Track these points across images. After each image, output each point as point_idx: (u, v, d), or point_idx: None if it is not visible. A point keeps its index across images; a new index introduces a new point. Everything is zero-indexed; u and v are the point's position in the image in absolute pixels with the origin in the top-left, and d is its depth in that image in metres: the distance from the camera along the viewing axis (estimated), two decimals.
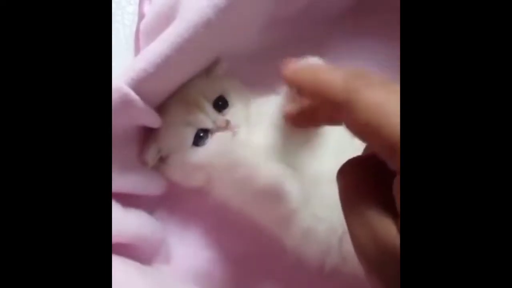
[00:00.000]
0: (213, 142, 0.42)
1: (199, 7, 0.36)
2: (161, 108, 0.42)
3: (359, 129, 0.20)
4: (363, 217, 0.20)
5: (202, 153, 0.42)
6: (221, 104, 0.43)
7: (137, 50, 0.49)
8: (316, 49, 0.52)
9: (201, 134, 0.42)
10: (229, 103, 0.43)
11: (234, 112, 0.43)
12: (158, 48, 0.36)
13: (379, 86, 0.20)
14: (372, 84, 0.20)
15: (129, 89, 0.36)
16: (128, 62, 0.50)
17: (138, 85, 0.36)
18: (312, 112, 0.25)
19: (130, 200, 0.44)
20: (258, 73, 0.49)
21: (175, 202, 0.49)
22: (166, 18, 0.41)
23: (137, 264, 0.43)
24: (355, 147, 0.25)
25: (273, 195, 0.37)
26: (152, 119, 0.41)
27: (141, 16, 0.49)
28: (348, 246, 0.39)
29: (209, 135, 0.42)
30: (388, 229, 0.19)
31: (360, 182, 0.21)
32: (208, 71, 0.44)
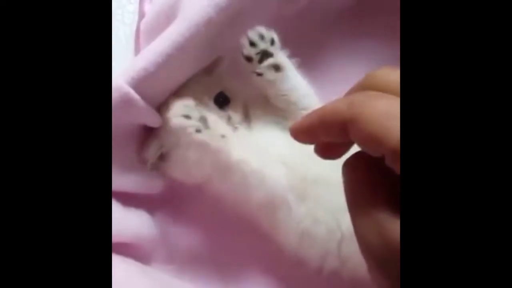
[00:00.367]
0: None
1: (200, 6, 0.36)
2: (162, 105, 0.42)
3: (364, 141, 0.20)
4: (371, 214, 0.20)
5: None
6: (221, 100, 0.43)
7: (137, 49, 0.49)
8: (316, 48, 0.52)
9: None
10: (230, 99, 0.44)
11: (235, 109, 0.43)
12: (158, 47, 0.36)
13: (380, 97, 0.20)
14: (374, 96, 0.21)
15: (130, 88, 0.36)
16: (128, 61, 0.50)
17: (138, 84, 0.36)
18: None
19: (130, 200, 0.44)
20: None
21: (175, 203, 0.49)
22: (167, 17, 0.41)
23: (138, 264, 0.43)
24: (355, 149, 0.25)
25: (252, 176, 0.38)
26: (152, 118, 0.41)
27: (141, 15, 0.49)
28: (348, 251, 0.39)
29: None
30: (395, 227, 0.19)
31: (366, 177, 0.21)
32: (209, 69, 0.44)
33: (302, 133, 0.23)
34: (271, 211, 0.40)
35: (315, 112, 0.23)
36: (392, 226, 0.19)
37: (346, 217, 0.22)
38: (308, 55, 0.52)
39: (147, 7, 0.49)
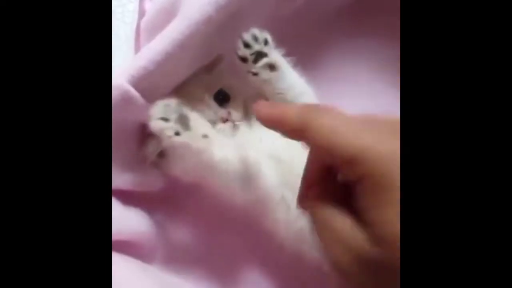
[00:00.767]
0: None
1: (200, 4, 0.37)
2: None
3: (317, 148, 0.25)
4: (336, 233, 0.23)
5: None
6: (221, 98, 0.44)
7: (138, 47, 0.49)
8: (314, 47, 0.52)
9: None
10: (230, 97, 0.44)
11: (235, 106, 0.44)
12: (158, 45, 0.36)
13: (328, 111, 0.25)
14: (322, 110, 0.25)
15: (130, 86, 0.36)
16: (129, 59, 0.50)
17: (138, 82, 0.36)
18: None
19: (130, 198, 0.44)
20: None
21: (174, 201, 0.49)
22: (167, 15, 0.41)
23: (137, 262, 0.43)
24: None
25: (236, 173, 0.39)
26: None
27: (141, 13, 0.49)
28: None
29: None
30: (359, 239, 0.22)
31: (325, 205, 0.25)
32: (209, 67, 0.45)
33: (265, 122, 0.27)
34: (269, 210, 0.41)
35: (274, 110, 0.26)
36: (358, 240, 0.22)
37: None
38: (306, 54, 0.52)
39: (148, 6, 0.49)
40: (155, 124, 0.36)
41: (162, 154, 0.44)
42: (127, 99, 0.36)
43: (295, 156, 0.41)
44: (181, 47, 0.36)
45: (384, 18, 0.49)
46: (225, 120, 0.42)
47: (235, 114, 0.43)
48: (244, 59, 0.41)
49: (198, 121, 0.38)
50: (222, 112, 0.42)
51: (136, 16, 0.50)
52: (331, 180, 0.26)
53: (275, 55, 0.41)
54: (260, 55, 0.41)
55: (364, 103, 0.50)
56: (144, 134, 0.44)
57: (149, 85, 0.38)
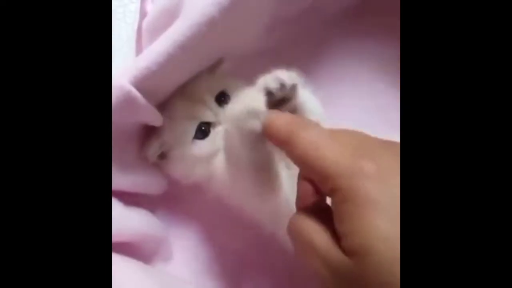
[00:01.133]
0: (215, 136, 0.42)
1: (202, 6, 0.36)
2: (164, 104, 0.42)
3: (298, 162, 0.26)
4: (313, 246, 0.24)
5: (204, 146, 0.42)
6: (223, 99, 0.43)
7: (139, 48, 0.49)
8: (318, 49, 0.52)
9: (203, 128, 0.42)
10: (231, 98, 0.44)
11: None
12: (160, 46, 0.36)
13: (313, 126, 0.26)
14: (307, 126, 0.26)
15: (132, 87, 0.36)
16: (130, 60, 0.50)
17: (140, 83, 0.37)
18: None
19: (132, 199, 0.44)
20: (261, 73, 0.49)
21: (175, 201, 0.50)
22: (170, 15, 0.41)
23: (139, 263, 0.43)
24: None
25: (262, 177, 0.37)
26: (154, 117, 0.41)
27: (143, 14, 0.49)
28: None
29: (211, 128, 0.42)
30: (335, 252, 0.23)
31: (306, 219, 0.26)
32: (211, 69, 0.45)
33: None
34: (271, 211, 0.41)
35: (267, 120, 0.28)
36: (336, 255, 0.23)
37: None
38: (308, 53, 0.52)
39: (149, 7, 0.49)
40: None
41: (163, 156, 0.45)
42: (129, 100, 0.36)
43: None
44: (183, 48, 0.36)
45: (385, 18, 0.49)
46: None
47: None
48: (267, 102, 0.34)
49: None
50: (223, 114, 0.42)
51: (137, 16, 0.50)
52: (316, 195, 0.27)
53: (301, 96, 0.37)
54: (284, 100, 0.36)
55: (364, 103, 0.51)
56: (145, 135, 0.44)
57: (151, 86, 0.38)
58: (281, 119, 0.27)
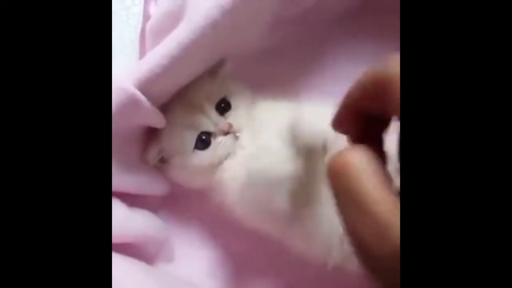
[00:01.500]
0: (217, 146, 0.42)
1: (205, 9, 0.37)
2: (164, 109, 0.42)
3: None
4: (368, 214, 0.18)
5: (204, 157, 0.42)
6: (223, 107, 0.43)
7: (142, 50, 0.50)
8: (321, 49, 0.52)
9: (204, 137, 0.42)
10: (232, 105, 0.43)
11: (237, 115, 0.43)
12: (164, 49, 0.37)
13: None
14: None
15: (136, 89, 0.36)
16: (133, 62, 0.50)
17: (144, 85, 0.37)
18: None
19: (135, 200, 0.44)
20: (263, 74, 0.49)
21: (178, 202, 0.50)
22: (173, 19, 0.41)
23: (141, 263, 0.43)
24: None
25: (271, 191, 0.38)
26: (157, 119, 0.41)
27: (146, 16, 0.49)
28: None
29: (212, 138, 0.42)
30: (397, 228, 0.18)
31: (362, 173, 0.20)
32: (211, 72, 0.44)
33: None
34: (274, 218, 0.41)
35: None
36: (395, 229, 0.18)
37: None
38: (310, 54, 0.52)
39: (153, 9, 0.49)
40: None
41: (163, 160, 0.45)
42: (133, 102, 0.37)
43: (301, 164, 0.41)
44: (187, 51, 0.37)
45: (390, 18, 0.49)
46: (226, 133, 0.42)
47: (237, 125, 0.42)
48: None
49: None
50: (223, 123, 0.41)
51: (140, 19, 0.50)
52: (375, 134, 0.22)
53: None
54: None
55: None
56: (148, 137, 0.44)
57: (155, 89, 0.38)
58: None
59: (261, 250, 0.47)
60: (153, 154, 0.43)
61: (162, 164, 0.45)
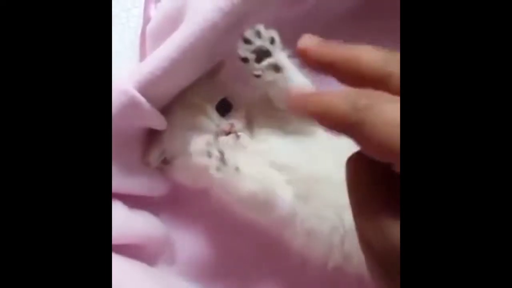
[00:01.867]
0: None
1: (205, 11, 0.37)
2: (165, 110, 0.42)
3: (371, 148, 0.19)
4: (373, 218, 0.20)
5: None
6: (224, 107, 0.43)
7: (143, 52, 0.50)
8: None
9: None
10: (233, 106, 0.44)
11: (237, 116, 0.43)
12: (164, 52, 0.37)
13: (386, 101, 0.19)
14: (379, 99, 0.19)
15: (136, 91, 0.37)
16: (133, 64, 0.50)
17: (144, 88, 0.37)
18: None
19: (136, 202, 0.44)
20: None
21: (179, 203, 0.50)
22: (173, 21, 0.41)
23: (143, 264, 0.43)
24: (353, 145, 0.25)
25: (260, 203, 0.39)
26: (157, 121, 0.41)
27: (146, 19, 0.49)
28: (351, 246, 0.39)
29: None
30: (396, 230, 0.19)
31: (369, 179, 0.21)
32: (211, 73, 0.45)
33: (303, 114, 0.22)
34: (265, 215, 0.41)
35: (316, 101, 0.21)
36: (393, 230, 0.19)
37: (348, 214, 0.22)
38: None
39: (153, 11, 0.49)
40: (201, 160, 0.37)
41: (165, 161, 0.45)
42: (133, 104, 0.37)
43: (301, 163, 0.41)
44: (186, 53, 0.37)
45: (391, 21, 0.49)
46: (227, 133, 0.42)
47: (238, 125, 0.42)
48: (245, 59, 0.38)
49: (231, 155, 0.38)
50: (225, 124, 0.42)
51: (141, 21, 0.51)
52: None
53: (279, 55, 0.38)
54: (262, 53, 0.38)
55: None
56: (149, 139, 0.45)
57: (155, 91, 0.38)
58: (339, 94, 0.20)
59: (262, 250, 0.47)
60: (155, 156, 0.44)
61: (164, 165, 0.45)
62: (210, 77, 0.44)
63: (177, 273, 0.47)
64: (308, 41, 0.23)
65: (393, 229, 0.19)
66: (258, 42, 0.37)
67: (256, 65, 0.38)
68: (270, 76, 0.39)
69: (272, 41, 0.38)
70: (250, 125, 0.44)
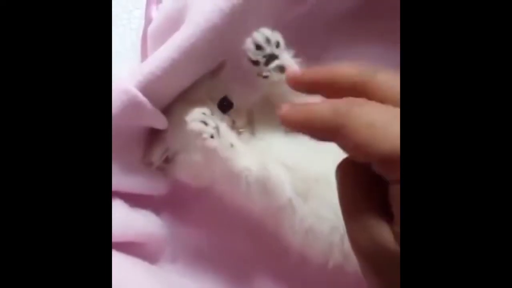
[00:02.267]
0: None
1: (205, 12, 0.37)
2: (167, 109, 0.43)
3: (351, 149, 0.21)
4: (361, 220, 0.21)
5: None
6: (225, 105, 0.44)
7: (144, 53, 0.50)
8: (319, 53, 0.52)
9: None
10: (233, 104, 0.44)
11: (238, 113, 0.44)
12: (165, 52, 0.37)
13: (364, 105, 0.21)
14: (358, 104, 0.21)
15: (137, 91, 0.37)
16: (135, 65, 0.50)
17: (146, 87, 0.37)
18: None
19: (137, 200, 0.45)
20: None
21: (180, 202, 0.50)
22: (174, 22, 0.41)
23: (144, 263, 0.43)
24: None
25: (257, 183, 0.39)
26: (158, 121, 0.42)
27: (148, 20, 0.50)
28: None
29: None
30: (384, 231, 0.20)
31: (356, 182, 0.22)
32: (213, 73, 0.45)
33: (291, 124, 0.23)
34: (275, 213, 0.41)
35: (302, 110, 0.22)
36: (380, 230, 0.20)
37: None
38: (311, 56, 0.52)
39: (154, 13, 0.49)
40: (195, 126, 0.38)
41: (167, 160, 0.45)
42: (134, 104, 0.37)
43: (301, 162, 0.41)
44: (187, 54, 0.37)
45: (391, 21, 0.49)
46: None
47: (240, 122, 0.43)
48: (256, 63, 0.40)
49: (227, 130, 0.40)
50: (226, 120, 0.42)
51: (142, 22, 0.51)
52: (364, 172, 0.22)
53: (285, 56, 0.41)
54: (271, 57, 0.40)
55: None
56: (150, 138, 0.45)
57: (156, 91, 0.38)
58: (324, 104, 0.22)
59: (262, 249, 0.47)
60: (158, 155, 0.44)
61: (166, 164, 0.45)
62: (211, 76, 0.45)
63: (177, 271, 0.48)
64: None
65: (378, 229, 0.20)
66: (268, 49, 0.40)
67: (265, 68, 0.40)
68: (276, 77, 0.41)
69: (277, 44, 0.40)
70: (250, 124, 0.44)
